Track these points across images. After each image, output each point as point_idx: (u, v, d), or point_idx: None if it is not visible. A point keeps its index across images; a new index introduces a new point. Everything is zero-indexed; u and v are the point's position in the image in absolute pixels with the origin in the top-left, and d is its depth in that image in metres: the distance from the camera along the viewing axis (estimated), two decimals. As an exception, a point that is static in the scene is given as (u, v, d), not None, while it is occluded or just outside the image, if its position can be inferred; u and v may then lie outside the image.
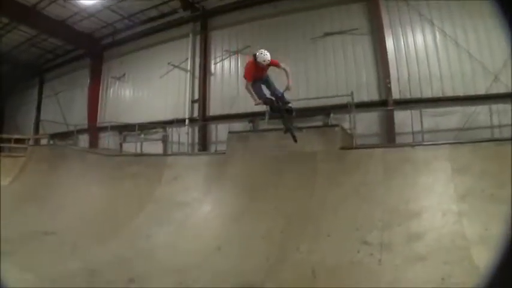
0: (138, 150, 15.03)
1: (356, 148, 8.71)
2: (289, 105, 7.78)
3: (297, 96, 13.04)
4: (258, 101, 7.56)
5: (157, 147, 16.11)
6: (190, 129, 16.42)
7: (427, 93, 12.55)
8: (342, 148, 8.19)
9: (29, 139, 20.68)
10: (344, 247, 6.26)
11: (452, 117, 11.98)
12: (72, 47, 22.22)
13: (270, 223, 7.11)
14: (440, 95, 12.41)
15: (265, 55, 7.25)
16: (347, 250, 6.18)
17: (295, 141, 7.57)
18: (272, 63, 7.45)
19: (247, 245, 6.80)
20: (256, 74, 7.55)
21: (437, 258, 5.42)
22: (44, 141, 20.86)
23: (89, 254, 7.41)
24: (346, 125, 10.86)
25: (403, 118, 12.43)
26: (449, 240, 5.41)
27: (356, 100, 11.99)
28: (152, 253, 7.31)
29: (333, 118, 12.87)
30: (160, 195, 9.59)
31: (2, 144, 20.41)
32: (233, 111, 15.36)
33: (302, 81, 13.79)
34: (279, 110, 7.64)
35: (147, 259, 7.01)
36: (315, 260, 6.14)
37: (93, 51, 21.47)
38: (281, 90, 7.63)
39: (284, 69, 7.53)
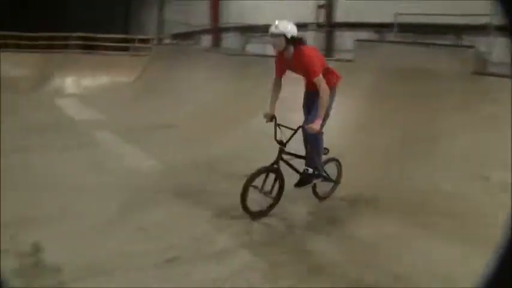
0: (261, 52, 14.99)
1: (490, 75, 7.82)
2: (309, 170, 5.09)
3: (426, 9, 11.96)
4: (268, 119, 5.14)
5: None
6: (315, 34, 15.71)
7: None
8: (474, 73, 7.49)
9: (152, 39, 21.86)
10: (461, 177, 5.88)
11: None
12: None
13: (389, 138, 6.91)
14: None
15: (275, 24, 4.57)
16: (464, 180, 5.80)
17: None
18: (300, 60, 4.65)
19: (365, 157, 6.72)
20: (282, 67, 5.16)
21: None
22: (166, 41, 21.78)
23: (208, 147, 7.92)
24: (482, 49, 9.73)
25: (552, 51, 10.75)
26: None
27: (495, 22, 10.57)
28: (271, 150, 7.36)
29: (466, 40, 11.62)
30: (283, 97, 9.40)
31: (127, 44, 21.91)
32: (360, 19, 14.20)
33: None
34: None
35: (265, 156, 7.13)
36: (429, 183, 5.95)
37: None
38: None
39: (318, 88, 4.60)
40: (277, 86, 5.22)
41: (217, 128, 9.11)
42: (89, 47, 20.05)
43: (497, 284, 1.58)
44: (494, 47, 10.17)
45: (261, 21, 16.26)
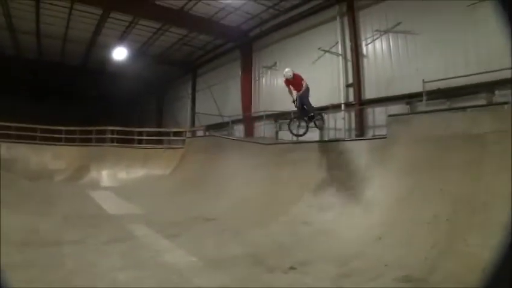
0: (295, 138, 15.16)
1: (531, 127, 7.41)
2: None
3: (456, 72, 11.88)
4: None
5: (313, 134, 15.20)
6: (346, 114, 16.08)
7: None
8: (514, 129, 7.08)
9: (186, 131, 22.45)
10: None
11: None
12: (221, 41, 23.41)
13: (434, 209, 6.49)
14: None
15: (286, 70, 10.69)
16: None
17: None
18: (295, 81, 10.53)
19: (411, 232, 6.34)
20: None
21: None
22: (200, 133, 22.17)
23: (249, 239, 7.65)
24: (514, 102, 9.36)
25: None
26: None
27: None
28: (312, 240, 7.28)
29: (499, 95, 11.31)
30: (320, 182, 9.57)
31: (162, 137, 22.55)
32: (389, 93, 14.58)
33: (460, 55, 12.40)
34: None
35: (307, 246, 6.99)
36: (485, 255, 5.40)
37: (242, 43, 22.28)
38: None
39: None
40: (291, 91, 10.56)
41: (256, 219, 8.95)
42: (124, 141, 20.82)
43: (498, 284, 1.70)
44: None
45: (293, 106, 16.61)
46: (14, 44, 24.15)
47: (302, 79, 10.55)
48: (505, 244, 1.81)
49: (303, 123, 10.96)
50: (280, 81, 19.59)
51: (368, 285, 5.19)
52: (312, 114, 10.75)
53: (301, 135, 11.19)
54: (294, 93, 10.46)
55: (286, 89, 10.63)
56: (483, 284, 1.91)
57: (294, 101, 10.51)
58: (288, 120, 11.99)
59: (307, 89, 10.56)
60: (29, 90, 28.38)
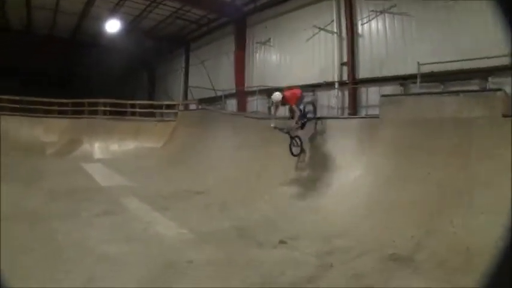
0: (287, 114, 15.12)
1: (521, 116, 7.53)
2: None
3: (450, 57, 11.92)
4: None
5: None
6: (339, 93, 15.96)
7: None
8: (505, 116, 7.19)
9: (178, 104, 22.28)
10: (502, 228, 5.49)
11: None
12: (215, 15, 23.04)
13: (421, 191, 6.64)
14: None
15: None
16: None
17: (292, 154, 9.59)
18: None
19: (397, 212, 6.47)
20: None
21: None
22: (192, 106, 21.87)
23: (238, 214, 7.80)
24: (507, 90, 9.47)
25: None
26: None
27: (519, 61, 10.32)
28: (299, 217, 7.42)
29: (492, 82, 11.39)
30: (309, 159, 9.69)
31: (154, 110, 22.37)
32: (383, 74, 14.44)
33: (455, 41, 12.36)
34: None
35: (294, 223, 7.11)
36: (469, 236, 5.57)
37: (236, 18, 21.86)
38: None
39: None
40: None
41: (245, 194, 9.09)
42: (116, 113, 20.49)
43: (498, 283, 1.66)
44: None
45: (286, 82, 16.55)
46: (2, 16, 23.40)
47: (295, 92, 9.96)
48: (505, 244, 1.86)
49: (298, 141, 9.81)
50: (274, 58, 19.75)
51: (354, 262, 5.31)
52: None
53: (296, 155, 9.75)
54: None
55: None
56: (483, 284, 1.83)
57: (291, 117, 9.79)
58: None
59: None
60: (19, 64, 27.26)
